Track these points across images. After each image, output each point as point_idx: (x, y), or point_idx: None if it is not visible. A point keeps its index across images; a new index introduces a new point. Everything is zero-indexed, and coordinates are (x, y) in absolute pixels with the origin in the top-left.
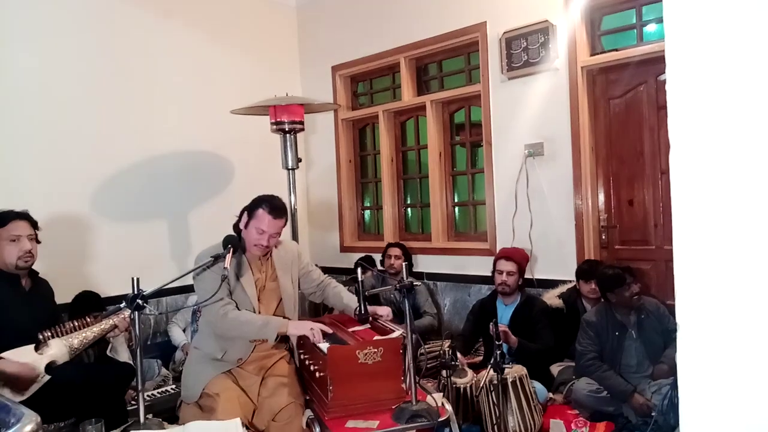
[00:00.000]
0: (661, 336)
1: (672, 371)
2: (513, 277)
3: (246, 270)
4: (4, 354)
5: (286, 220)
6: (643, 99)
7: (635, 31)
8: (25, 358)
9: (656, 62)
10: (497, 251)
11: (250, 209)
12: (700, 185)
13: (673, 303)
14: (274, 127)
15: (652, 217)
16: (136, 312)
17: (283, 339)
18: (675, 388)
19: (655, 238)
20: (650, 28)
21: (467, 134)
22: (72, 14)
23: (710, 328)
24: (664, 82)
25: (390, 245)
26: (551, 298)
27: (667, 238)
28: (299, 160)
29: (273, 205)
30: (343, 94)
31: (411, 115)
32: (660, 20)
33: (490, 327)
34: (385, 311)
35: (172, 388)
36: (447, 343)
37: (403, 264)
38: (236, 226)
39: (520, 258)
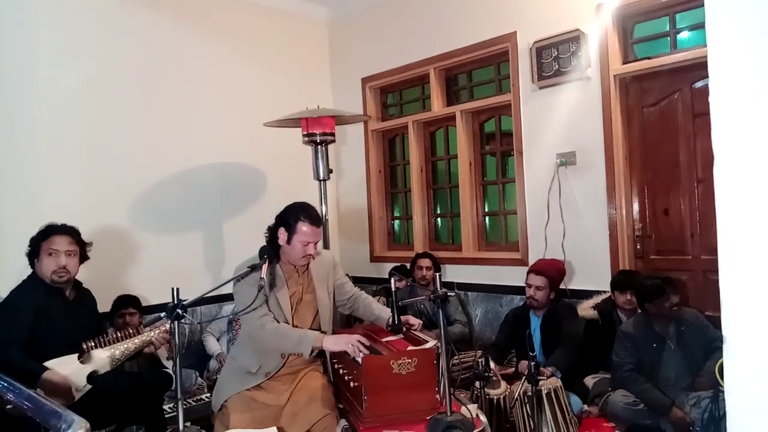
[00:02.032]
0: (701, 348)
1: (711, 384)
2: (541, 292)
3: (282, 284)
4: (49, 363)
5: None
6: (678, 107)
7: (669, 38)
8: (69, 367)
9: (691, 70)
10: (530, 261)
11: (288, 223)
12: (746, 195)
13: (712, 314)
14: (306, 138)
15: (688, 227)
16: (176, 321)
17: (318, 353)
18: (716, 401)
19: (692, 247)
20: (684, 36)
21: (497, 144)
22: (111, 33)
23: (759, 340)
24: (700, 89)
25: (419, 256)
26: (586, 309)
27: (704, 248)
28: (330, 171)
29: (311, 216)
30: (373, 106)
31: (440, 125)
32: (694, 27)
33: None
34: (416, 322)
35: (206, 397)
36: (479, 354)
37: (437, 274)
38: (271, 240)
39: (552, 272)
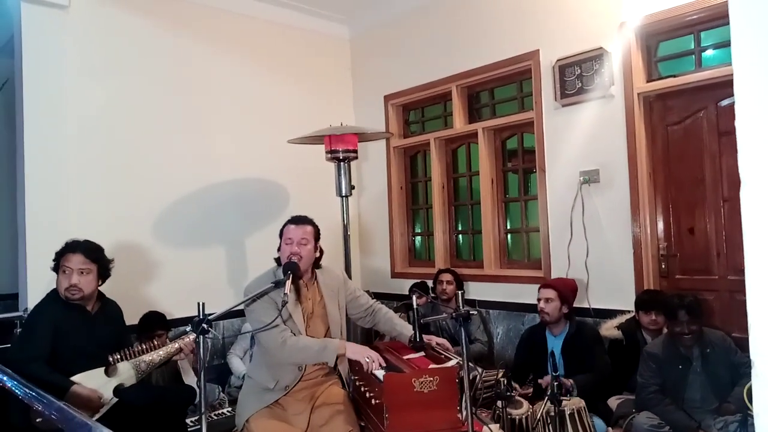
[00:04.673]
0: (727, 370)
1: (739, 409)
2: (551, 304)
3: (294, 299)
4: (76, 378)
5: (314, 228)
6: (703, 125)
7: (693, 56)
8: (95, 381)
9: (716, 88)
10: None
11: (281, 235)
12: None
13: (739, 335)
14: (329, 155)
15: (714, 246)
16: (201, 336)
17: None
18: (744, 425)
19: (718, 267)
20: (709, 53)
21: (520, 161)
22: (138, 51)
23: None
24: (726, 107)
25: (441, 271)
26: (609, 329)
27: (730, 268)
28: (352, 188)
29: (293, 217)
30: (395, 123)
31: (462, 143)
32: (719, 45)
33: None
34: (441, 341)
35: (228, 411)
36: (501, 373)
37: (458, 292)
38: (277, 259)
39: (561, 286)
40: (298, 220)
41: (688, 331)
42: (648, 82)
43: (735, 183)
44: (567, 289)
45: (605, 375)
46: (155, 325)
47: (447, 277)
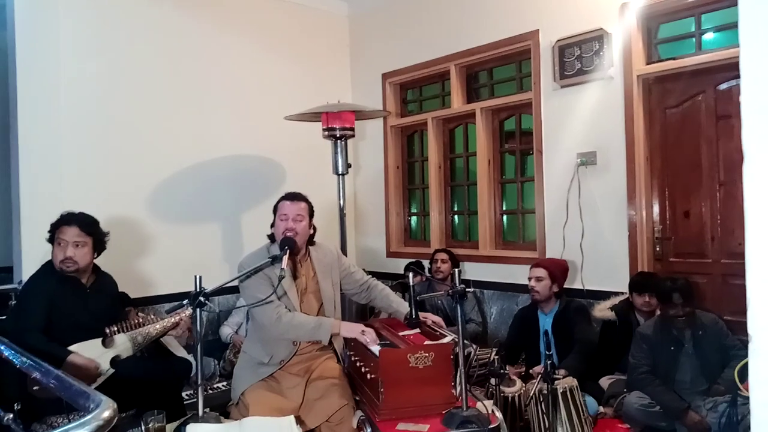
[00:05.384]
0: (718, 352)
1: (729, 390)
2: (542, 283)
3: (288, 275)
4: (73, 347)
5: (308, 205)
6: (702, 109)
7: (694, 39)
8: (92, 351)
9: (716, 71)
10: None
11: (274, 212)
12: None
13: (731, 318)
14: (326, 133)
15: (708, 230)
16: (198, 309)
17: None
18: (734, 405)
19: (712, 251)
20: (709, 37)
21: (517, 142)
22: (132, 26)
23: None
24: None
25: (438, 251)
26: (603, 310)
27: (724, 252)
28: (349, 166)
29: (288, 193)
30: (393, 101)
31: (460, 123)
32: (720, 28)
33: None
34: (437, 320)
35: (223, 385)
36: (494, 351)
37: (456, 270)
38: (272, 236)
39: (551, 265)
40: (293, 197)
41: (682, 314)
42: (648, 64)
43: (731, 167)
44: (557, 269)
45: (589, 349)
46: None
47: (442, 256)
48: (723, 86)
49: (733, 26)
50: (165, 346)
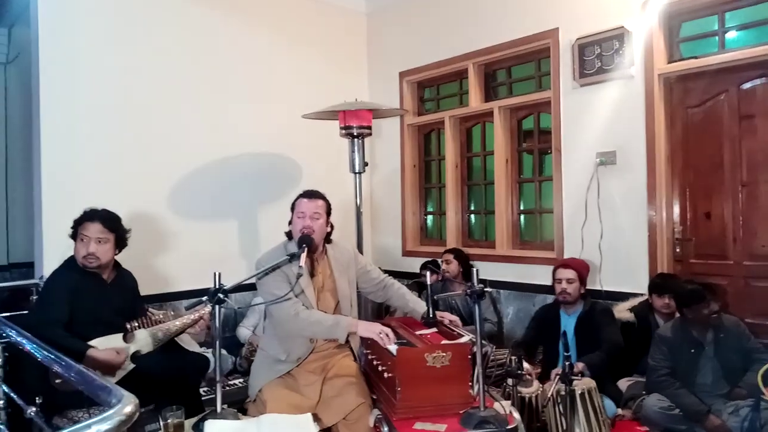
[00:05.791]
0: (739, 355)
1: (751, 394)
2: (573, 285)
3: (305, 272)
4: (94, 342)
5: (326, 203)
6: (724, 108)
7: (717, 38)
8: (113, 346)
9: (739, 70)
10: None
11: (292, 209)
12: None
13: (752, 320)
14: (343, 131)
15: (730, 231)
16: (217, 305)
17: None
18: (756, 409)
19: (733, 253)
20: (732, 35)
21: (535, 141)
22: (150, 21)
23: None
24: (748, 90)
25: (446, 251)
26: (622, 311)
27: (746, 254)
28: (366, 164)
29: (305, 191)
30: (410, 100)
31: (477, 121)
32: (744, 27)
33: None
34: (454, 318)
35: (239, 382)
36: (512, 351)
37: (473, 269)
38: (289, 234)
39: (578, 266)
40: (311, 194)
41: (702, 317)
42: (669, 63)
43: (754, 168)
44: (584, 270)
45: (616, 351)
46: None
47: (447, 256)
48: (747, 85)
49: (758, 24)
50: (177, 342)
